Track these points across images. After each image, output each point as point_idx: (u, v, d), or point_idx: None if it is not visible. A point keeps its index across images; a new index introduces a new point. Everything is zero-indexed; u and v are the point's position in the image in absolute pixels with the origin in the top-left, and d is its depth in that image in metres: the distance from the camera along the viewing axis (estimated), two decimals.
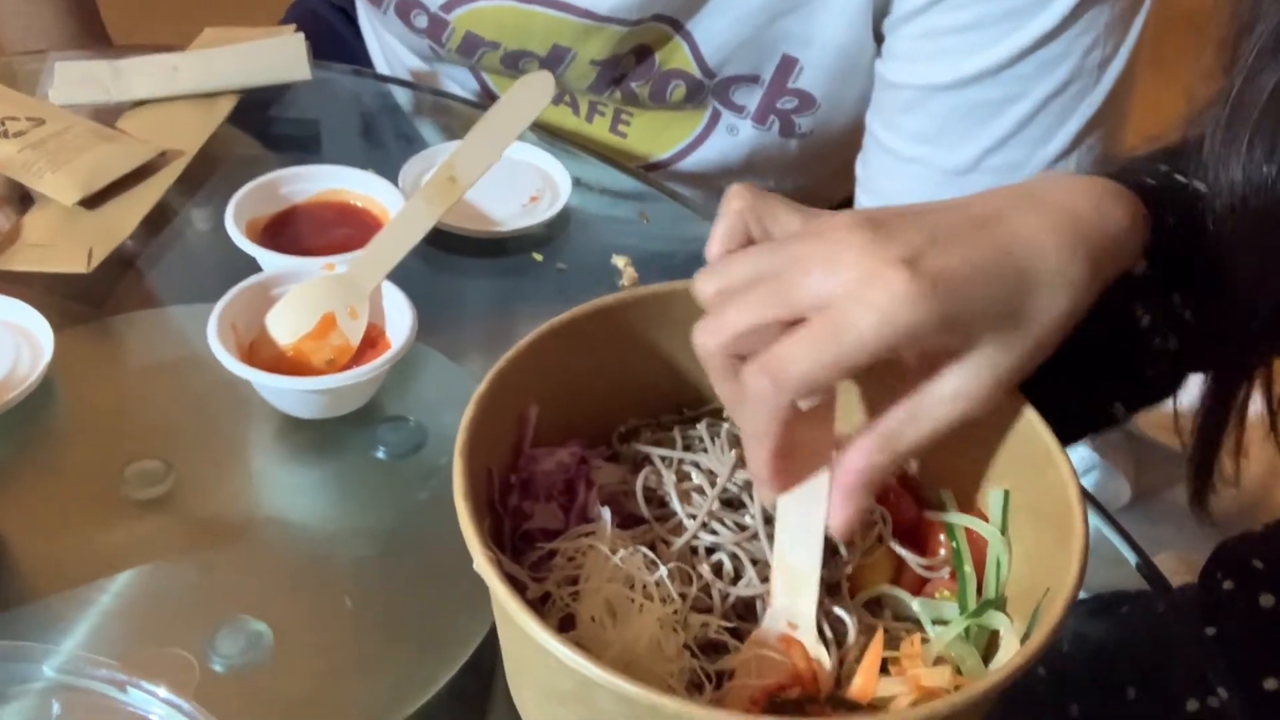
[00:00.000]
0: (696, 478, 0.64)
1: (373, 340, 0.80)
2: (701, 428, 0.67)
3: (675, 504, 0.62)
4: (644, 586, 0.57)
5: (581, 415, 0.66)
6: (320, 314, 0.79)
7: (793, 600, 0.57)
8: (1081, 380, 0.62)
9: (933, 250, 0.53)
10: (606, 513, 0.61)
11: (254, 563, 0.73)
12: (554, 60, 1.02)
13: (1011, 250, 0.55)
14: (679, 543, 0.61)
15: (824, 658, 0.57)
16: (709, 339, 0.56)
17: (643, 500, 0.63)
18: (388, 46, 1.19)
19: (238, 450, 0.79)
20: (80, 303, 0.87)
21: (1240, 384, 0.66)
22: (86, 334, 0.86)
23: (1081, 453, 1.26)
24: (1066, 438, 0.61)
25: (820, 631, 0.58)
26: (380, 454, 0.78)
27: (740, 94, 1.04)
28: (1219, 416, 0.68)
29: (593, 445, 0.67)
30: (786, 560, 0.58)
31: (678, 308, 0.65)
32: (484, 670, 0.67)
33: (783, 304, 0.54)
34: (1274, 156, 0.57)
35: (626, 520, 0.62)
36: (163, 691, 0.55)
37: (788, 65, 1.00)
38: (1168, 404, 0.72)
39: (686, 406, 0.69)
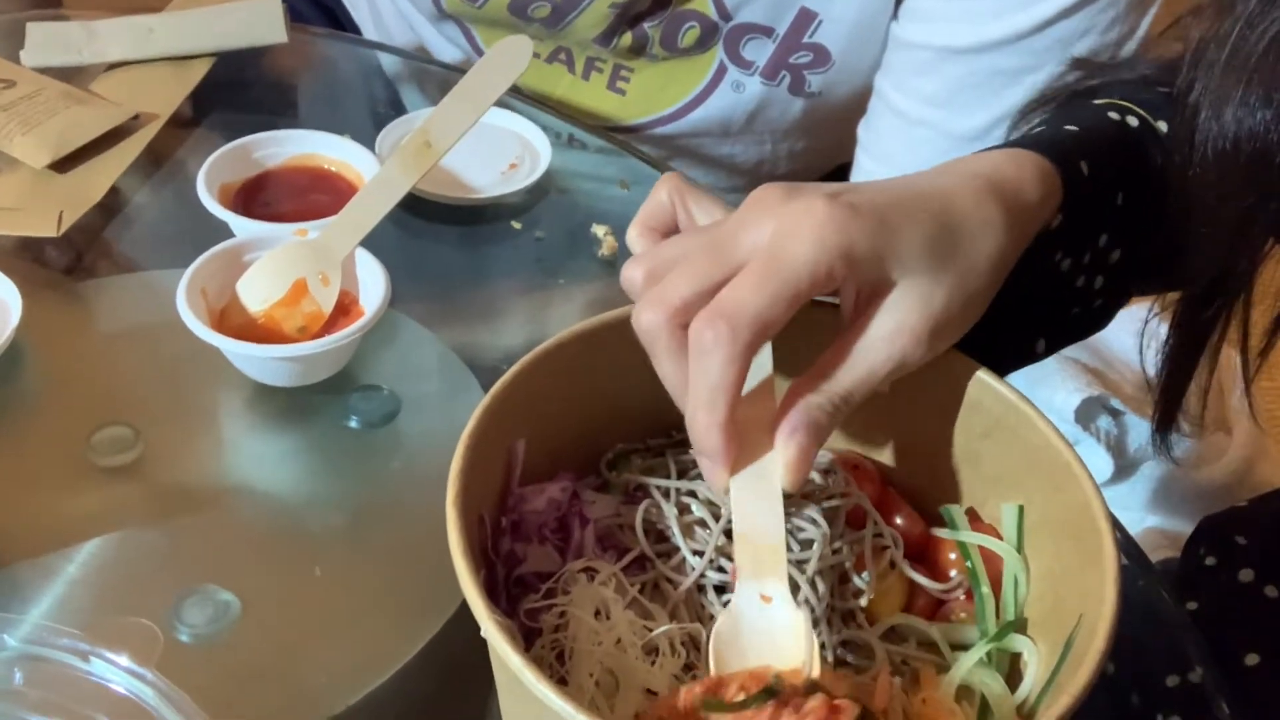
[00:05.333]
0: (697, 509, 0.61)
1: (345, 308, 0.79)
2: (694, 451, 0.64)
3: (679, 540, 0.60)
4: (638, 651, 0.55)
5: (568, 444, 0.64)
6: (292, 280, 0.78)
7: (760, 574, 0.55)
8: (1004, 320, 0.62)
9: (849, 193, 0.55)
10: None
11: (222, 532, 0.72)
12: (569, 5, 1.01)
13: (928, 196, 0.57)
14: (686, 583, 0.58)
15: (800, 629, 0.55)
16: (652, 313, 0.54)
17: (643, 536, 0.60)
18: (376, 7, 1.17)
19: (207, 418, 0.78)
20: (49, 267, 0.86)
21: (1208, 310, 0.66)
22: (55, 299, 0.84)
23: (1062, 429, 1.26)
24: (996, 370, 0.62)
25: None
26: (353, 423, 0.77)
27: (751, 48, 1.02)
28: (1188, 350, 0.68)
29: (581, 474, 0.64)
30: (748, 536, 0.56)
31: None
32: (454, 641, 0.66)
33: (721, 262, 0.54)
34: (1270, 103, 0.56)
35: (622, 553, 0.60)
36: (125, 661, 0.54)
37: (805, 18, 0.98)
38: (1140, 370, 0.72)
39: (675, 429, 0.66)
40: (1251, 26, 0.58)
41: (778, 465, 0.55)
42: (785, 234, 0.53)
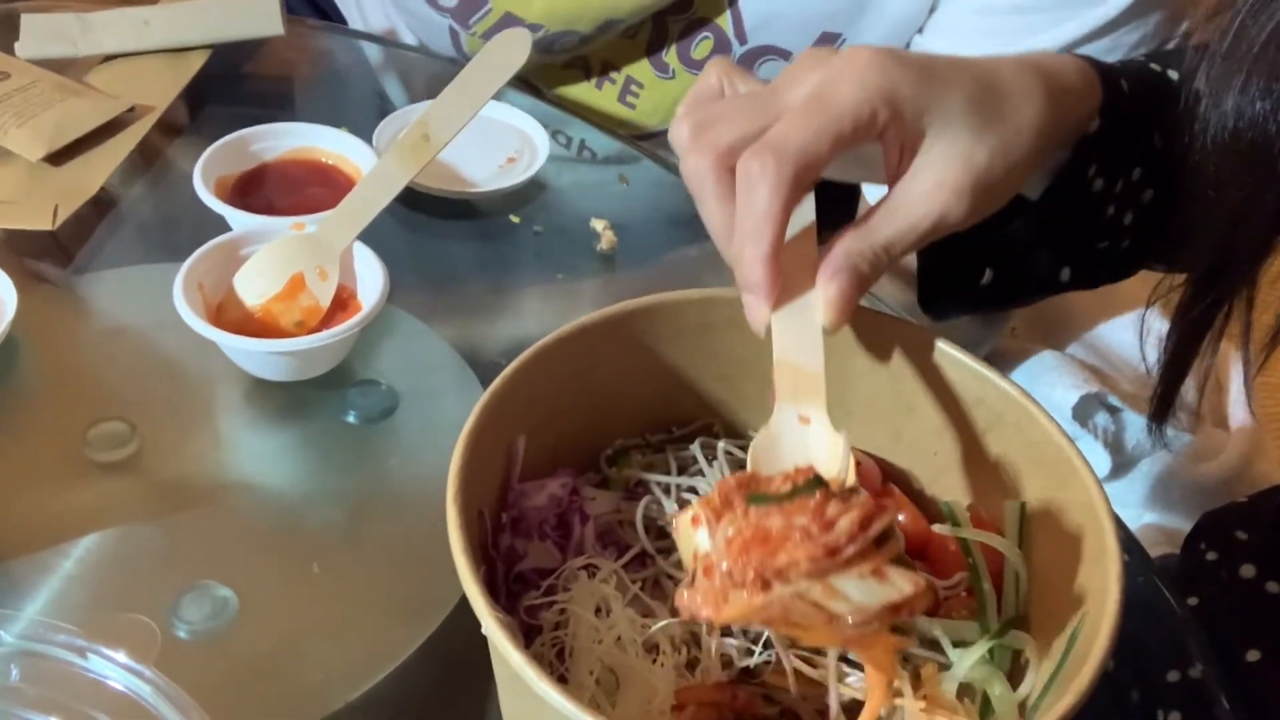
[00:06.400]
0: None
1: (343, 302, 0.78)
2: (695, 448, 0.64)
3: None
4: (639, 649, 0.55)
5: (567, 440, 0.63)
6: (289, 275, 0.77)
7: (798, 398, 0.55)
8: (1034, 234, 0.64)
9: (895, 49, 0.57)
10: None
11: (220, 527, 0.71)
12: (597, 34, 1.00)
13: (972, 64, 0.59)
14: (687, 579, 0.58)
15: (839, 448, 0.54)
16: (699, 157, 0.55)
17: (644, 533, 0.60)
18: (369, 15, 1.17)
19: (204, 413, 0.78)
20: (45, 261, 0.86)
21: (1207, 300, 0.66)
22: (51, 293, 0.84)
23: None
24: (1012, 300, 0.65)
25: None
26: (351, 418, 0.77)
27: (766, 69, 1.02)
28: (1187, 339, 0.68)
29: (581, 471, 0.64)
30: (789, 361, 0.56)
31: (663, 322, 0.63)
32: (454, 638, 0.65)
33: (768, 110, 0.55)
34: (1269, 94, 0.56)
35: (623, 549, 0.60)
36: (122, 657, 0.54)
37: (827, 41, 0.98)
38: (1142, 367, 0.72)
39: (675, 425, 0.66)
40: (1254, 17, 0.58)
41: (819, 304, 0.56)
42: (831, 80, 0.55)
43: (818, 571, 0.47)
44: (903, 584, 0.48)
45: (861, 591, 0.48)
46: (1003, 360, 1.34)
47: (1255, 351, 0.67)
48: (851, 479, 0.52)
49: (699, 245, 0.97)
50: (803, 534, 0.48)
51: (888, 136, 0.56)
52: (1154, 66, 0.70)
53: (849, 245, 0.56)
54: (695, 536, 0.50)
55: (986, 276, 0.69)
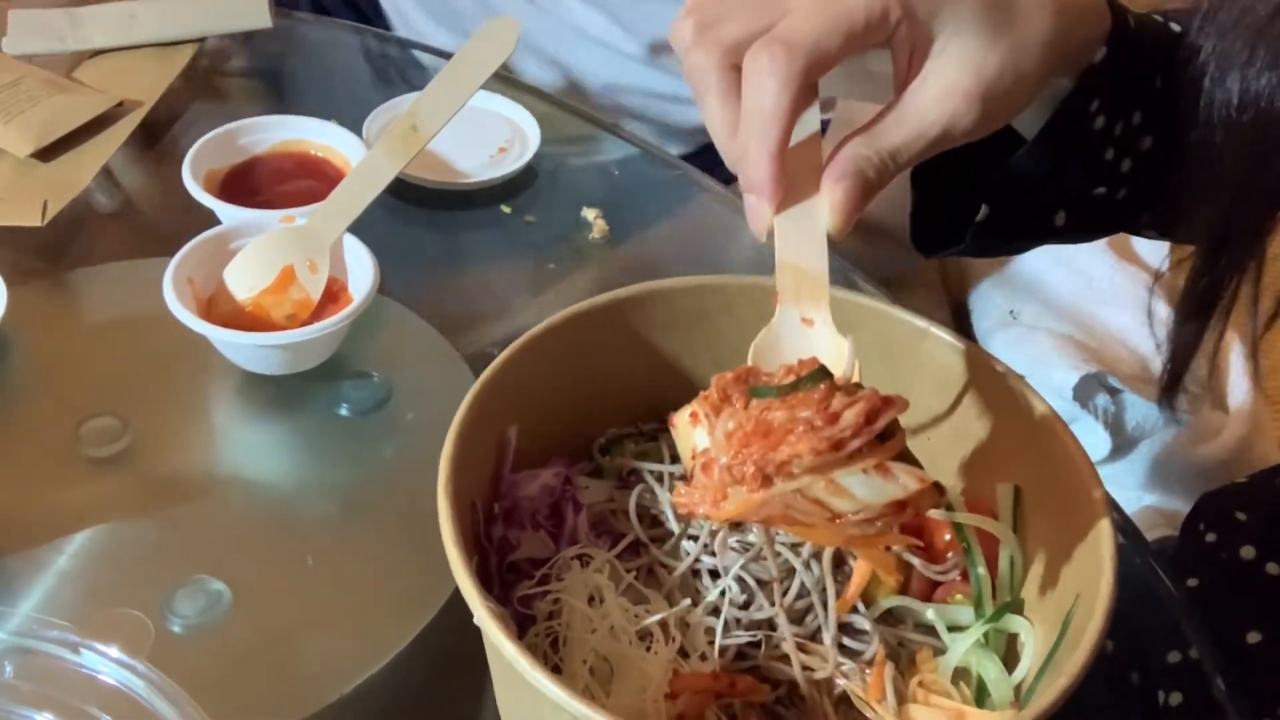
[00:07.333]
0: None
1: (334, 294, 0.78)
2: None
3: (673, 525, 0.59)
4: (632, 637, 0.55)
5: (560, 430, 0.63)
6: (280, 267, 0.77)
7: (800, 299, 0.53)
8: (1033, 165, 0.62)
9: None
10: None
11: (213, 522, 0.71)
12: None
13: None
14: (680, 568, 0.58)
15: (843, 351, 0.52)
16: (703, 52, 0.53)
17: (637, 522, 0.60)
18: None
19: (196, 407, 0.77)
20: (35, 257, 0.85)
21: (1214, 273, 0.65)
22: (41, 288, 0.84)
23: (1060, 406, 1.25)
24: (1006, 241, 0.63)
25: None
26: (343, 410, 0.77)
27: None
28: (1196, 313, 0.67)
29: (573, 460, 0.64)
30: (791, 261, 0.54)
31: (655, 310, 0.63)
32: (449, 629, 0.65)
33: (776, 7, 0.53)
34: (1275, 67, 0.56)
35: (616, 538, 0.60)
36: (116, 652, 0.53)
37: None
38: (1143, 350, 0.71)
39: (668, 412, 0.66)
40: None
41: (823, 207, 0.54)
42: None
43: (821, 466, 0.46)
44: (908, 480, 0.47)
45: (866, 488, 0.46)
46: (1003, 342, 1.34)
47: (1262, 318, 0.67)
48: (856, 376, 0.51)
49: (691, 234, 0.97)
50: (806, 426, 0.46)
51: (898, 36, 0.55)
52: (1157, 17, 0.69)
53: (856, 150, 0.55)
54: (693, 435, 0.49)
55: (982, 213, 0.68)
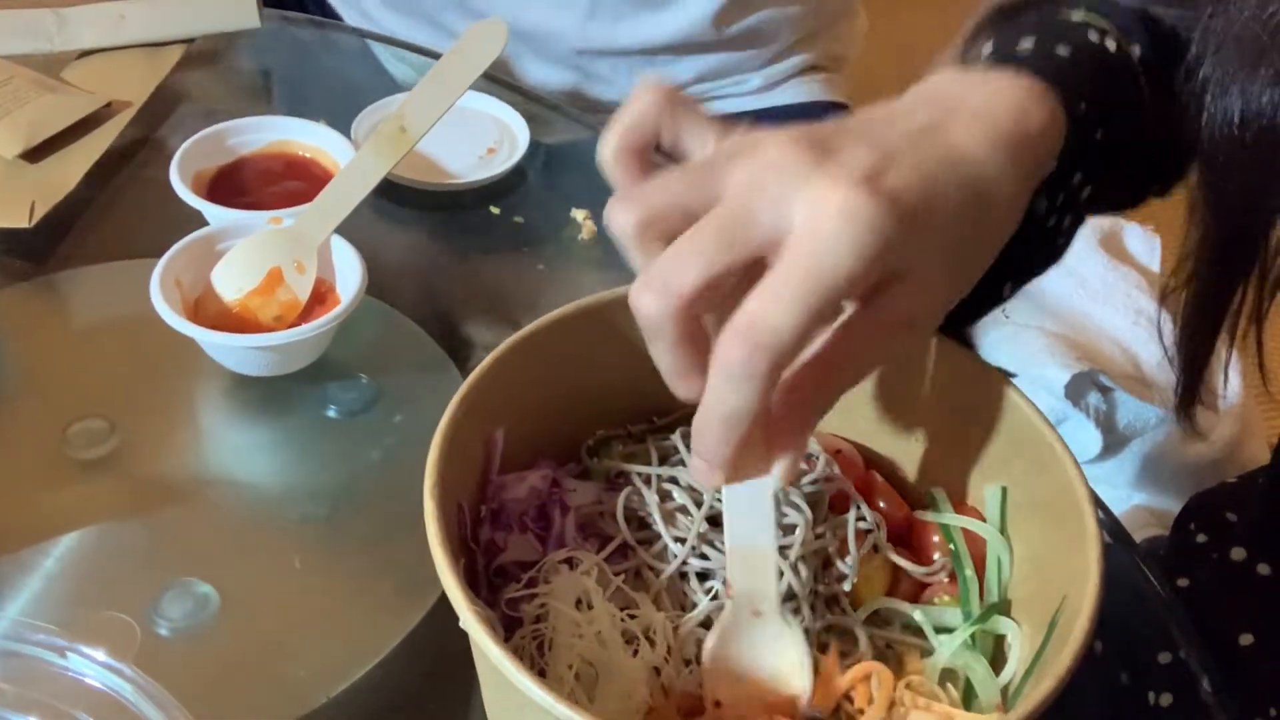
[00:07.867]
0: (679, 496, 0.60)
1: (321, 296, 0.78)
2: (676, 437, 0.63)
3: (660, 527, 0.59)
4: (619, 643, 0.54)
5: (548, 432, 0.63)
6: (267, 269, 0.77)
7: (753, 584, 0.53)
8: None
9: (887, 168, 0.48)
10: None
11: (201, 524, 0.71)
12: None
13: (958, 165, 0.51)
14: (668, 570, 0.58)
15: (797, 644, 0.53)
16: (660, 302, 0.47)
17: (624, 524, 0.59)
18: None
19: (184, 409, 0.77)
20: (22, 258, 0.85)
21: (1223, 279, 0.65)
22: (27, 290, 0.83)
23: (1052, 404, 1.26)
24: (960, 323, 0.61)
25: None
26: (331, 412, 0.77)
27: None
28: (1205, 320, 0.66)
29: (561, 462, 0.63)
30: (742, 543, 0.54)
31: None
32: (437, 632, 0.65)
33: (737, 245, 0.47)
34: (1276, 84, 0.55)
35: (604, 541, 0.59)
36: (102, 656, 0.53)
37: None
38: (1134, 349, 0.71)
39: (656, 414, 0.65)
40: (1263, 7, 0.57)
41: (776, 470, 0.53)
42: (819, 235, 0.46)
43: None
44: None
45: None
46: (994, 340, 1.34)
47: (1244, 326, 0.67)
48: (809, 683, 0.53)
49: None
50: None
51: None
52: (1093, 38, 0.63)
53: (809, 401, 0.52)
54: None
55: None
